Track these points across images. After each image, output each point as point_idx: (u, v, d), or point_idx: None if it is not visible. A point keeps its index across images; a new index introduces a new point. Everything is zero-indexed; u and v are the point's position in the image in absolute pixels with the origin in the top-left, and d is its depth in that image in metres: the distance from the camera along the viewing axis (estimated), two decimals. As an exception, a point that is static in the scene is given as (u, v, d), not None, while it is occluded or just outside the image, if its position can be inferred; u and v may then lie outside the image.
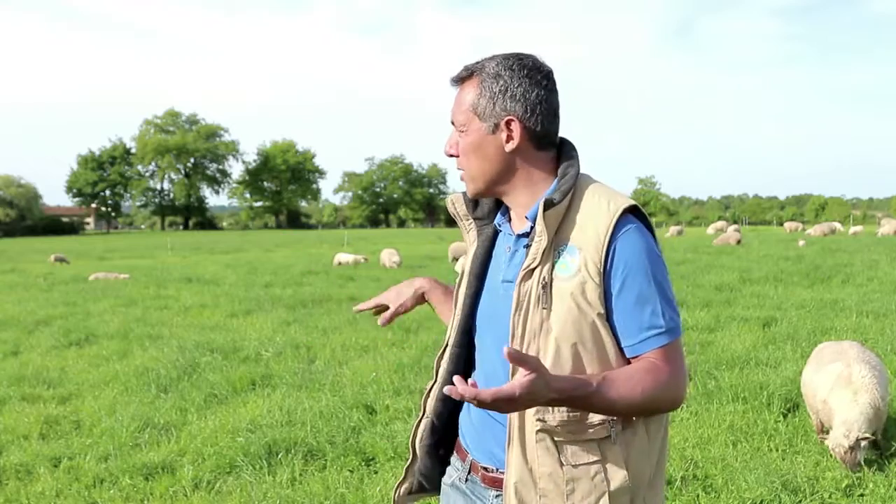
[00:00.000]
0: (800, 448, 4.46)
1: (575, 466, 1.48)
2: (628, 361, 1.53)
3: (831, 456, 4.25)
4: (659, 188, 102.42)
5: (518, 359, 1.33)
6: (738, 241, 23.71)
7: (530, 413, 1.49)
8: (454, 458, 1.78)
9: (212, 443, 4.75)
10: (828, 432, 4.40)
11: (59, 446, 4.85)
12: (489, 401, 1.33)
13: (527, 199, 1.60)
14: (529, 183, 1.60)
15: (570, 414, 1.48)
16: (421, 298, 1.93)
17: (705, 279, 12.68)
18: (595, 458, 1.49)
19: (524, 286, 1.52)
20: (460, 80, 1.61)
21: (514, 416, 1.51)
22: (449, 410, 1.77)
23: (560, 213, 1.52)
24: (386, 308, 1.93)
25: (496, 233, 1.70)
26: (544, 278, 1.50)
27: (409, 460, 1.82)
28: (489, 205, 1.72)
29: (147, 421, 5.25)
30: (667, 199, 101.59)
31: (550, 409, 1.47)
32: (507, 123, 1.55)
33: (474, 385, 1.34)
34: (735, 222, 64.34)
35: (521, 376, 1.34)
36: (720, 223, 46.03)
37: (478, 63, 1.59)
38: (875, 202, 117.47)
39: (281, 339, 8.22)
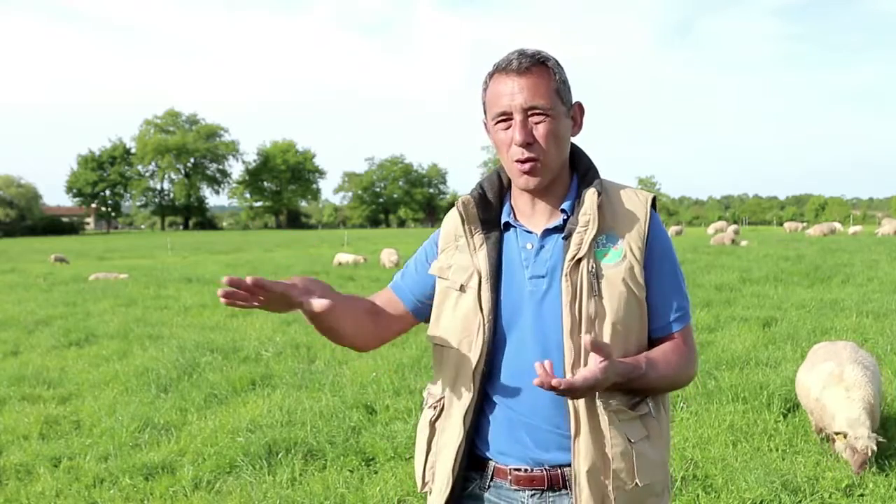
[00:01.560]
0: (800, 448, 4.46)
1: (638, 442, 1.54)
2: (651, 340, 1.61)
3: (831, 456, 4.25)
4: (659, 188, 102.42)
5: (598, 346, 1.40)
6: (733, 241, 23.80)
7: (596, 399, 1.52)
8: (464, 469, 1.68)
9: (212, 443, 4.75)
10: (822, 431, 4.40)
11: (59, 446, 4.85)
12: (580, 387, 1.40)
13: (557, 190, 1.63)
14: (564, 173, 1.63)
15: (625, 395, 1.54)
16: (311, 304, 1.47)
17: (705, 279, 12.68)
18: (645, 434, 1.56)
19: (574, 277, 1.53)
20: (529, 67, 1.54)
21: (581, 406, 1.52)
22: (478, 422, 1.63)
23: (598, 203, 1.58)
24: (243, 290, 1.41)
25: (501, 234, 1.67)
26: (592, 267, 1.54)
27: (450, 492, 1.61)
28: (496, 207, 1.69)
29: (147, 421, 5.25)
30: (667, 199, 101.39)
31: (611, 392, 1.52)
32: (579, 107, 1.62)
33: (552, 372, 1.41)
34: (735, 222, 64.29)
35: (598, 362, 1.41)
36: (720, 223, 46.00)
37: (539, 52, 1.57)
38: (875, 202, 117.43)
39: (281, 339, 8.22)
